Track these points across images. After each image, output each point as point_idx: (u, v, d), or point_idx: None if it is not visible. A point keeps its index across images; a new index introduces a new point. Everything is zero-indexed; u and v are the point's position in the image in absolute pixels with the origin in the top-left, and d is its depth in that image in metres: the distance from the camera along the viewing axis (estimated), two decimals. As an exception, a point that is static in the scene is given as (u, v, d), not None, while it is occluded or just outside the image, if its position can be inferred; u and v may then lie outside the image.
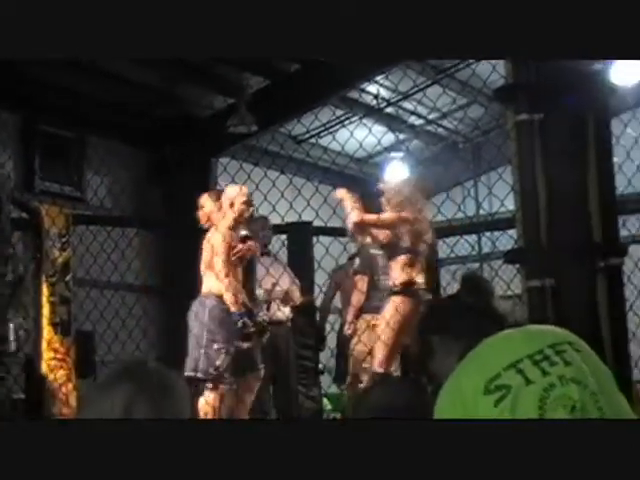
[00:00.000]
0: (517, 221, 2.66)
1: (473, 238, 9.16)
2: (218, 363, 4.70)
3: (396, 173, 10.23)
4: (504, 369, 1.72)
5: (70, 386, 5.22)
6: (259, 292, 5.41)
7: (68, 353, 5.25)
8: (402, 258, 4.78)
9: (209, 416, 4.61)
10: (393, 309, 4.69)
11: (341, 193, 4.84)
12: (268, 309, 5.65)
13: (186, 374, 4.70)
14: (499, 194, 3.71)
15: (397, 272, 4.79)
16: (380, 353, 4.72)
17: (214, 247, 4.72)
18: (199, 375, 4.68)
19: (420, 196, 4.89)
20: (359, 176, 10.62)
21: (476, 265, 9.24)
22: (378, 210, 4.98)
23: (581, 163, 2.59)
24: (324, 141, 8.25)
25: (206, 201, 4.87)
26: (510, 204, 2.97)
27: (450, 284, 5.17)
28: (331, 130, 8.63)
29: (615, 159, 2.71)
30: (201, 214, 4.87)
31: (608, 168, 2.64)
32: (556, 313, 2.52)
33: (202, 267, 4.81)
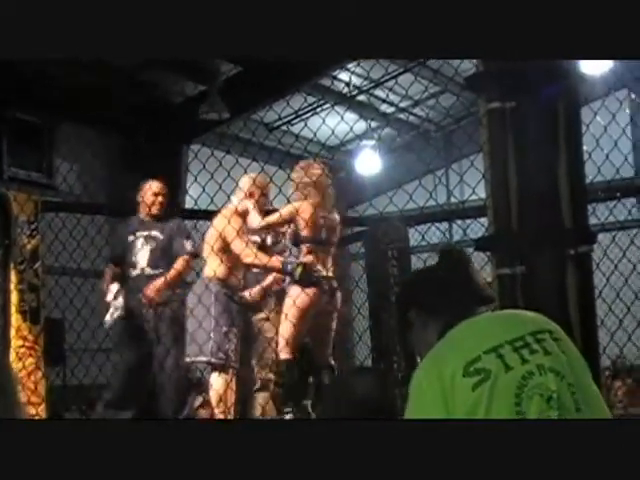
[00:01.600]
0: (488, 209, 2.66)
1: (444, 226, 9.19)
2: (227, 347, 4.74)
3: (368, 160, 10.26)
4: (484, 352, 1.72)
5: (39, 374, 5.17)
6: None
7: (37, 341, 5.19)
8: (304, 248, 4.86)
9: (217, 403, 4.66)
10: (290, 302, 4.76)
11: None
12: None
13: (191, 359, 4.75)
14: (470, 182, 3.72)
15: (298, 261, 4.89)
16: (280, 344, 4.81)
17: (226, 233, 4.79)
18: (207, 359, 4.70)
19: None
20: (331, 164, 10.62)
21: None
22: (350, 195, 5.08)
23: (552, 151, 2.59)
24: (296, 128, 8.23)
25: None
26: (481, 192, 2.97)
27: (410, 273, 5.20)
28: (303, 117, 8.61)
29: (585, 147, 2.72)
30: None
31: (578, 156, 2.65)
32: (526, 301, 2.53)
33: (205, 251, 4.87)
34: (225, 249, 4.91)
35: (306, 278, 4.77)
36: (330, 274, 4.91)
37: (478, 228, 4.90)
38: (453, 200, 9.56)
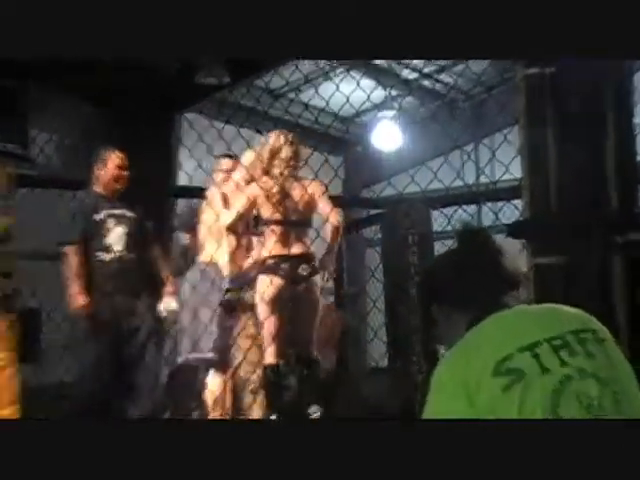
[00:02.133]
0: (523, 190, 2.65)
1: (473, 209, 9.17)
2: (229, 342, 4.85)
3: (387, 134, 10.23)
4: (518, 350, 1.70)
5: (13, 370, 5.19)
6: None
7: (11, 332, 5.19)
8: (266, 233, 4.93)
9: (213, 406, 4.70)
10: (257, 297, 4.85)
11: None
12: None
13: (188, 357, 4.76)
14: (503, 159, 3.70)
15: (260, 249, 4.97)
16: (264, 345, 4.88)
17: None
18: (206, 357, 4.72)
19: (288, 150, 4.96)
20: (344, 137, 10.60)
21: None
22: (366, 173, 5.15)
23: (598, 124, 2.57)
24: (305, 96, 8.20)
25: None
26: (516, 170, 2.95)
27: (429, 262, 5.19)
28: (313, 83, 8.58)
29: (636, 120, 2.70)
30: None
31: (628, 129, 2.63)
32: (566, 294, 2.52)
33: (202, 232, 4.90)
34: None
35: (269, 267, 4.82)
36: (302, 252, 4.91)
37: (511, 212, 4.87)
38: (483, 179, 9.51)
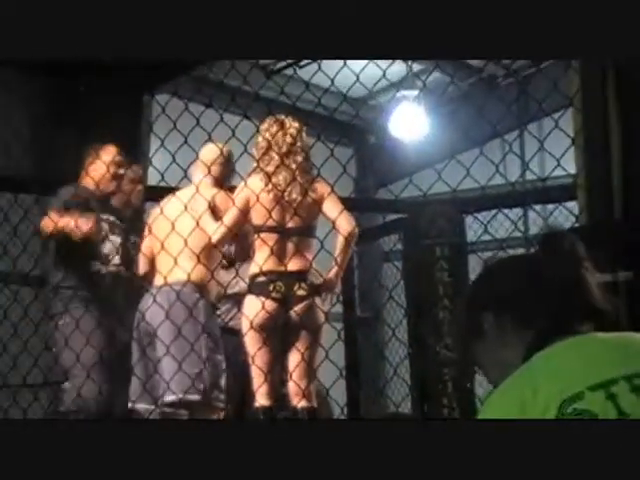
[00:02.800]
0: (579, 189, 2.66)
1: (517, 212, 9.19)
2: (222, 382, 4.98)
3: (408, 119, 10.25)
4: (589, 389, 1.69)
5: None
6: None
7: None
8: (257, 244, 5.05)
9: None
10: (246, 323, 4.96)
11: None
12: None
13: (177, 398, 4.81)
14: (554, 150, 3.69)
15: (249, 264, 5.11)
16: (255, 384, 4.97)
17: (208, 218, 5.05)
18: (194, 398, 4.85)
19: (283, 141, 5.10)
20: (355, 123, 10.62)
21: (520, 251, 9.26)
22: (382, 169, 5.18)
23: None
24: (306, 73, 8.21)
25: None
26: (570, 165, 2.96)
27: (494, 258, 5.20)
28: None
29: None
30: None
31: None
32: (633, 319, 2.52)
33: (172, 246, 4.93)
34: (206, 244, 4.97)
35: (253, 287, 4.92)
36: (300, 268, 4.94)
37: (564, 216, 4.87)
38: (529, 176, 9.53)
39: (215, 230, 5.02)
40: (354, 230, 4.93)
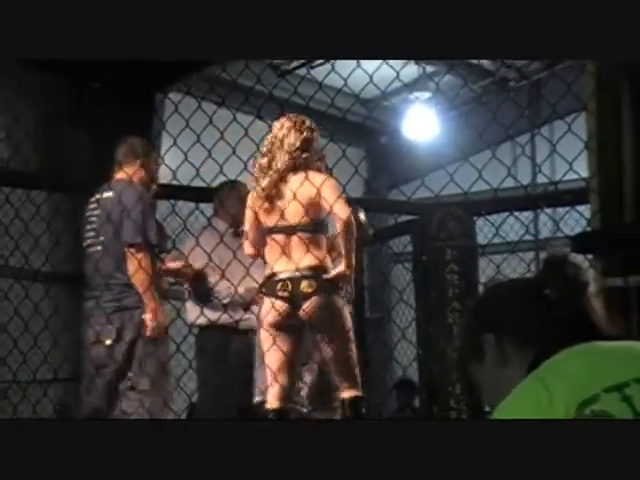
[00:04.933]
0: (591, 193, 2.65)
1: (528, 216, 9.18)
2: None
3: (420, 121, 10.25)
4: (604, 391, 1.72)
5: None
6: (239, 290, 5.67)
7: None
8: (268, 245, 5.08)
9: None
10: (260, 323, 5.10)
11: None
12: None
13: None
14: (566, 154, 3.69)
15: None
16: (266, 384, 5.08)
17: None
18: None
19: (283, 136, 5.10)
20: (367, 124, 10.61)
21: (530, 254, 9.26)
22: (394, 170, 5.18)
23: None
24: (318, 73, 8.21)
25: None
26: (582, 169, 2.95)
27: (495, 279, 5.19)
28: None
29: None
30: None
31: None
32: (644, 325, 2.51)
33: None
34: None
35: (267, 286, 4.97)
36: (309, 264, 4.94)
37: (576, 220, 4.87)
38: (541, 179, 9.52)
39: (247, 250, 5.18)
40: (349, 217, 4.86)
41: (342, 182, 4.93)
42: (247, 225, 5.08)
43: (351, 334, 5.00)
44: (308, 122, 5.19)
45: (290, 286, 4.89)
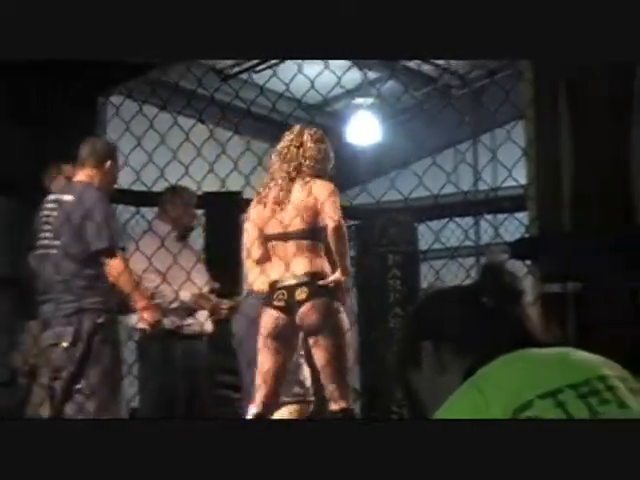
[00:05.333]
0: (530, 200, 2.67)
1: (469, 222, 9.23)
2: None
3: (362, 127, 10.27)
4: (539, 397, 1.73)
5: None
6: (183, 295, 5.78)
7: None
8: (270, 251, 5.14)
9: None
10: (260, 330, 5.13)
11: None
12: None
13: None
14: (506, 161, 3.71)
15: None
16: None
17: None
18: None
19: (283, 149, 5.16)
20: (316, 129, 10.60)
21: (470, 260, 9.32)
22: (334, 177, 5.22)
23: (622, 120, 2.60)
24: (261, 78, 8.20)
25: None
26: (521, 176, 2.97)
27: (433, 287, 5.22)
28: (271, 63, 8.60)
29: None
30: None
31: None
32: (581, 330, 2.54)
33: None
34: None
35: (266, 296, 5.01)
36: (304, 272, 4.95)
37: (515, 226, 4.90)
38: (482, 186, 9.59)
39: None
40: (338, 221, 4.92)
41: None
42: (248, 230, 5.11)
43: (347, 340, 5.03)
44: (320, 133, 5.29)
45: (286, 295, 4.92)
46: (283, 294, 4.92)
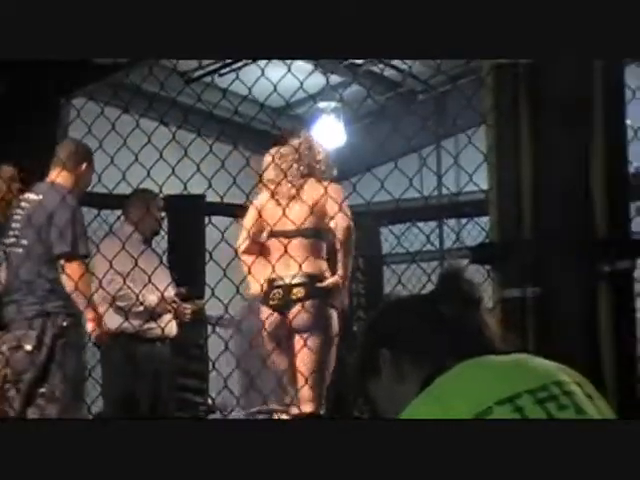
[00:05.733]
0: (490, 205, 2.68)
1: (431, 226, 9.26)
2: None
3: (325, 131, 10.27)
4: (496, 403, 1.74)
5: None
6: (151, 298, 5.82)
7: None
8: (272, 248, 5.14)
9: None
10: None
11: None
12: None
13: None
14: (468, 166, 3.73)
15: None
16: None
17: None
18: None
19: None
20: (272, 132, 10.60)
21: (433, 265, 9.34)
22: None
23: (582, 126, 2.62)
24: (224, 81, 8.20)
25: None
26: (482, 181, 2.99)
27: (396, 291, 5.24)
28: (234, 66, 8.59)
29: (629, 122, 2.75)
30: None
31: (619, 135, 2.69)
32: (540, 335, 2.55)
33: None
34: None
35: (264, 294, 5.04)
36: (303, 271, 4.95)
37: (477, 231, 4.93)
38: (444, 191, 9.62)
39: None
40: (349, 226, 4.97)
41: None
42: (248, 224, 5.11)
43: (332, 345, 5.03)
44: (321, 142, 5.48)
45: (282, 294, 4.93)
46: (279, 292, 4.96)
